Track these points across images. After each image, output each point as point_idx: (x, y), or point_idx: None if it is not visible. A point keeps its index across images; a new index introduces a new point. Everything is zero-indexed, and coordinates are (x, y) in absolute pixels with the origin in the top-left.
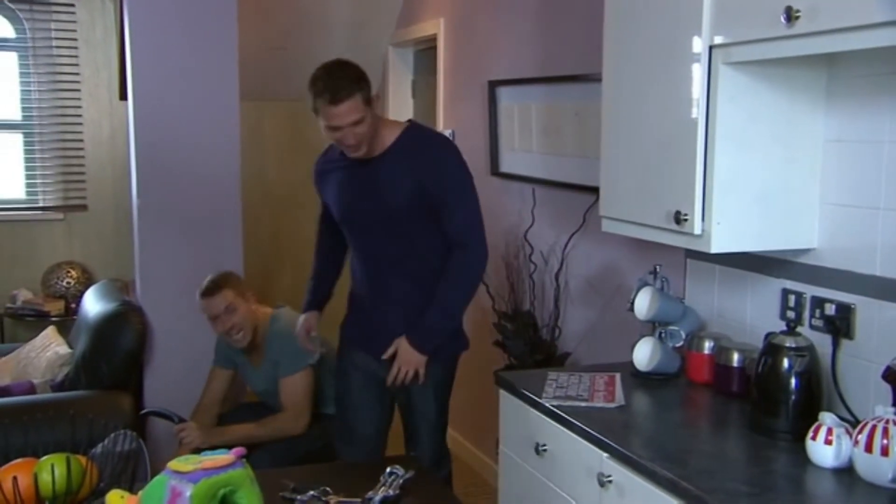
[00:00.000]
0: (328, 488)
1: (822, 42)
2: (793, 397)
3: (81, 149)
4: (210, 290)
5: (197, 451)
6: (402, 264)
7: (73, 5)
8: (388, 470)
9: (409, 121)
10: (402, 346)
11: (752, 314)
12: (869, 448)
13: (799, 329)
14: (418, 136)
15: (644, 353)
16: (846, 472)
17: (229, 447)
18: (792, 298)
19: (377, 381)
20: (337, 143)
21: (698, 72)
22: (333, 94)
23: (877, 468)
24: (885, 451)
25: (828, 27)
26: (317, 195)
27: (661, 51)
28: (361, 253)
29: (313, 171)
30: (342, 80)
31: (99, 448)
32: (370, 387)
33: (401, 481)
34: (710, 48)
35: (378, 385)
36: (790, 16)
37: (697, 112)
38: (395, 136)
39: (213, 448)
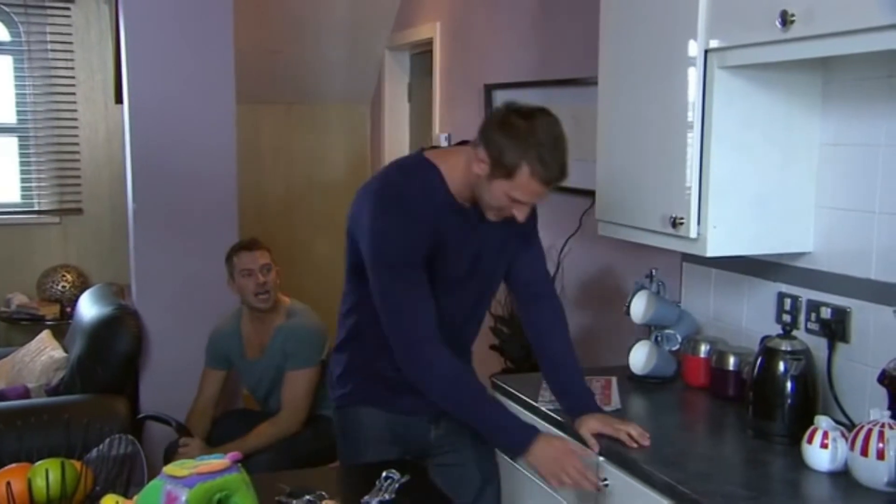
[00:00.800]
0: (324, 493)
1: (817, 46)
2: (789, 401)
3: (77, 152)
4: (254, 244)
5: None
6: (473, 330)
7: (68, 8)
8: (383, 474)
9: None
10: (601, 417)
11: (748, 318)
12: (865, 452)
13: (795, 332)
14: None
15: (640, 357)
16: (842, 476)
17: None
18: (788, 302)
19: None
20: (494, 209)
21: (694, 75)
22: (555, 175)
23: (872, 472)
24: (880, 455)
25: (823, 31)
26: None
27: (658, 54)
28: (442, 318)
29: (420, 214)
30: (566, 160)
31: (94, 453)
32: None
33: (397, 486)
34: (706, 52)
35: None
36: (785, 20)
37: (693, 116)
38: None
39: None
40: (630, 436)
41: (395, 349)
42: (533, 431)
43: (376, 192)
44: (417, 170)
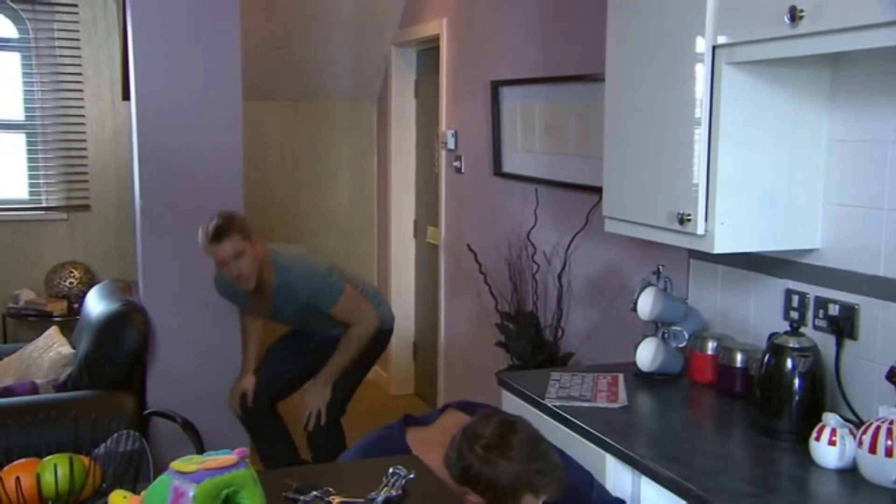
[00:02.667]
0: (331, 488)
1: (825, 42)
2: (796, 398)
3: (84, 149)
4: (218, 236)
5: (200, 451)
6: None
7: (75, 5)
8: (390, 470)
9: None
10: None
11: (755, 314)
12: (873, 449)
13: (802, 329)
14: None
15: (647, 354)
16: (850, 473)
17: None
18: (795, 299)
19: None
20: None
21: (702, 72)
22: (561, 486)
23: (881, 469)
24: (889, 452)
25: (832, 27)
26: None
27: (665, 50)
28: None
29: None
30: (554, 455)
31: (102, 448)
32: None
33: (404, 482)
34: (714, 48)
35: None
36: (794, 15)
37: (701, 112)
38: None
39: None
40: None
41: None
42: None
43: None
44: (391, 452)
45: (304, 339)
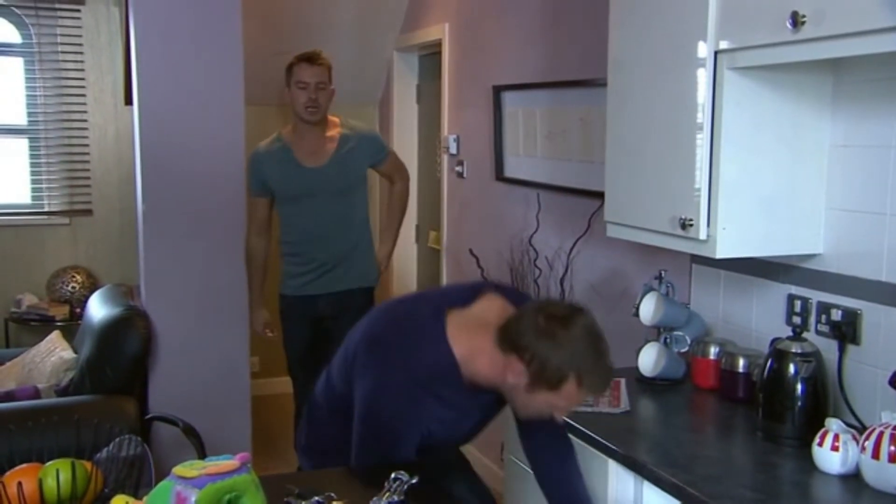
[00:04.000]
0: (332, 494)
1: (827, 47)
2: (799, 403)
3: (87, 154)
4: (314, 58)
5: (201, 456)
6: None
7: (78, 10)
8: (392, 475)
9: None
10: None
11: (757, 319)
12: (876, 454)
13: (805, 335)
14: None
15: (649, 359)
16: (853, 479)
17: None
18: (798, 304)
19: None
20: (530, 413)
21: (704, 77)
22: (604, 385)
23: (884, 475)
24: (892, 458)
25: (834, 32)
26: None
27: (667, 56)
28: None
29: (421, 398)
30: (610, 364)
31: (104, 453)
32: None
33: (405, 487)
34: (716, 53)
35: None
36: (796, 21)
37: (703, 117)
38: None
39: None
40: None
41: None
42: None
43: (381, 363)
44: (429, 349)
45: (302, 325)
